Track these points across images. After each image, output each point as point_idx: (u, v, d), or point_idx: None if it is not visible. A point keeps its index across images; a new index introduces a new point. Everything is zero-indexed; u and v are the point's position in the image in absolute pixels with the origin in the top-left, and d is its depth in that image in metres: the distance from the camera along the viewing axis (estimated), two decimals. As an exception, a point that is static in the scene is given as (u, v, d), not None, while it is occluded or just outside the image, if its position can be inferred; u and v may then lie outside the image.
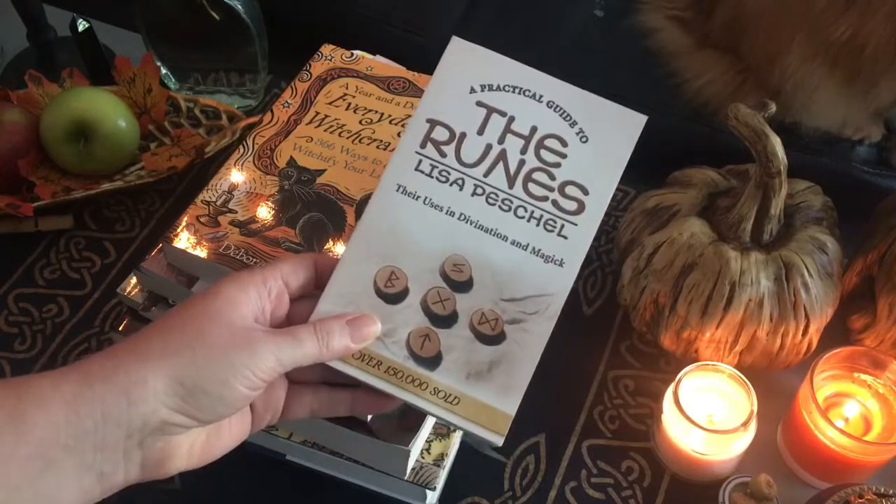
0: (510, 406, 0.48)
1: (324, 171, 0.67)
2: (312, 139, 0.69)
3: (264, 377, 0.45)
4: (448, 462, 0.65)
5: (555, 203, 0.50)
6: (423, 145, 0.52)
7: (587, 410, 0.71)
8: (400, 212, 0.51)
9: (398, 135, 0.69)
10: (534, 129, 0.51)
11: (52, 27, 0.92)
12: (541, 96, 0.52)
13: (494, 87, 0.52)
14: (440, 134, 0.52)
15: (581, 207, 0.50)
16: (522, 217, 0.50)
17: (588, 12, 0.93)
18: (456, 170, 0.51)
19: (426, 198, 0.51)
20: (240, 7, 0.82)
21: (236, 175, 0.66)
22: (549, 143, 0.51)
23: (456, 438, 0.65)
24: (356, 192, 0.65)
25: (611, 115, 0.51)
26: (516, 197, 0.50)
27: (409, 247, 0.50)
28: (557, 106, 0.52)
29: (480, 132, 0.52)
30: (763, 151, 0.63)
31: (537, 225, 0.50)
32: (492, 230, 0.50)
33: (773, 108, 0.63)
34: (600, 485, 0.67)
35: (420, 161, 0.51)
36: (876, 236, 0.69)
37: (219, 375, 0.44)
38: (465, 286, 0.49)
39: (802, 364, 0.67)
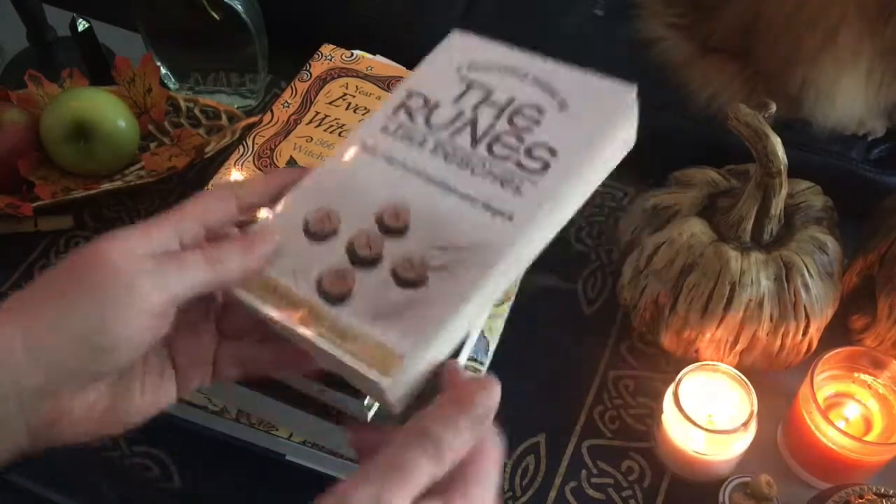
0: (409, 347, 0.41)
1: (324, 170, 0.67)
2: (312, 139, 0.69)
3: (151, 310, 0.40)
4: (448, 462, 0.65)
5: (517, 163, 0.46)
6: (395, 111, 0.50)
7: (587, 410, 0.71)
8: (355, 164, 0.49)
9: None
10: (511, 100, 0.49)
11: (52, 27, 0.92)
12: (526, 74, 0.50)
13: (481, 67, 0.51)
14: (415, 102, 0.50)
15: (545, 166, 0.46)
16: (478, 174, 0.46)
17: (588, 12, 0.93)
18: (420, 130, 0.49)
19: (383, 153, 0.49)
20: (240, 7, 0.82)
21: (236, 175, 0.66)
22: (525, 111, 0.48)
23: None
24: (356, 191, 0.65)
25: (596, 87, 0.49)
26: (477, 155, 0.47)
27: (352, 193, 0.48)
28: (541, 81, 0.49)
29: (456, 101, 0.50)
30: (763, 151, 0.63)
31: (493, 182, 0.46)
32: (442, 182, 0.47)
33: (773, 108, 0.63)
34: (600, 485, 0.67)
35: (387, 124, 0.50)
36: (876, 236, 0.69)
37: (94, 322, 0.39)
38: (398, 232, 0.46)
39: (802, 364, 0.67)
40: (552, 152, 0.46)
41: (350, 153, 0.49)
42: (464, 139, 0.48)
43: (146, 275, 0.40)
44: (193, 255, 0.42)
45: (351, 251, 0.46)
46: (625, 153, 0.47)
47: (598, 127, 0.46)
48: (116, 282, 0.40)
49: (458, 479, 0.36)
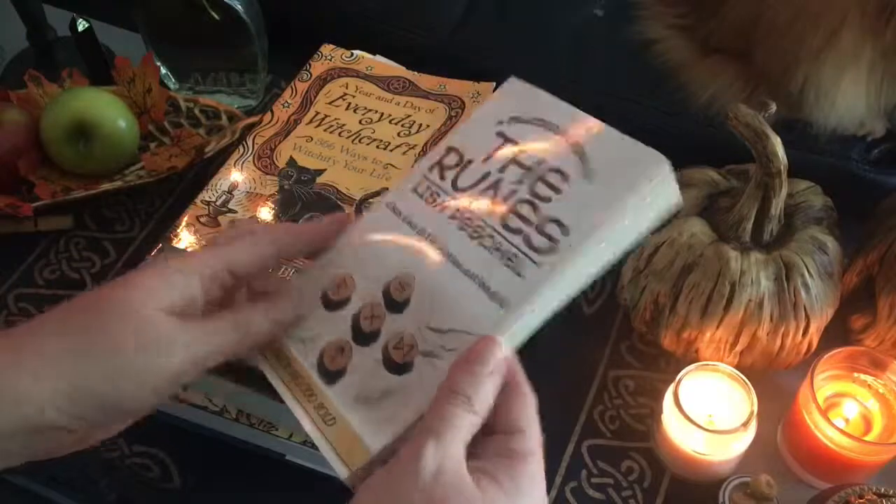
0: (375, 441, 0.43)
1: (323, 170, 0.67)
2: (312, 139, 0.69)
3: (173, 381, 0.41)
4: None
5: (526, 238, 0.45)
6: (430, 168, 0.50)
7: (587, 410, 0.71)
8: (380, 226, 0.49)
9: (398, 134, 0.69)
10: (540, 162, 0.47)
11: (52, 27, 0.92)
12: (564, 131, 0.47)
13: (520, 119, 0.49)
14: (451, 159, 0.50)
15: (553, 246, 0.44)
16: (487, 247, 0.45)
17: (588, 12, 0.93)
18: (446, 192, 0.49)
19: (407, 216, 0.49)
20: (240, 7, 0.82)
21: (236, 175, 0.66)
22: (549, 176, 0.46)
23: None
24: (356, 191, 0.65)
25: (629, 156, 0.45)
26: (490, 226, 0.46)
27: (371, 259, 0.48)
28: (576, 142, 0.46)
29: (486, 160, 0.48)
30: (763, 151, 0.63)
31: (500, 258, 0.45)
32: (452, 255, 0.46)
33: (773, 108, 0.63)
34: (600, 485, 0.67)
35: (419, 183, 0.50)
36: (876, 236, 0.69)
37: (118, 388, 0.40)
38: (400, 306, 0.46)
39: (802, 364, 0.67)
40: (564, 230, 0.44)
41: (381, 213, 0.50)
42: (482, 206, 0.47)
43: (177, 347, 0.41)
44: (223, 321, 0.43)
45: (355, 324, 0.47)
46: (664, 217, 0.45)
47: (618, 201, 0.44)
48: (148, 347, 0.40)
49: (498, 424, 0.41)
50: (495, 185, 0.47)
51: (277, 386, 0.47)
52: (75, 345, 0.40)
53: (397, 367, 0.44)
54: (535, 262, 0.44)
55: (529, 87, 0.50)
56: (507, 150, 0.48)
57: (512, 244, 0.45)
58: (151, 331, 0.40)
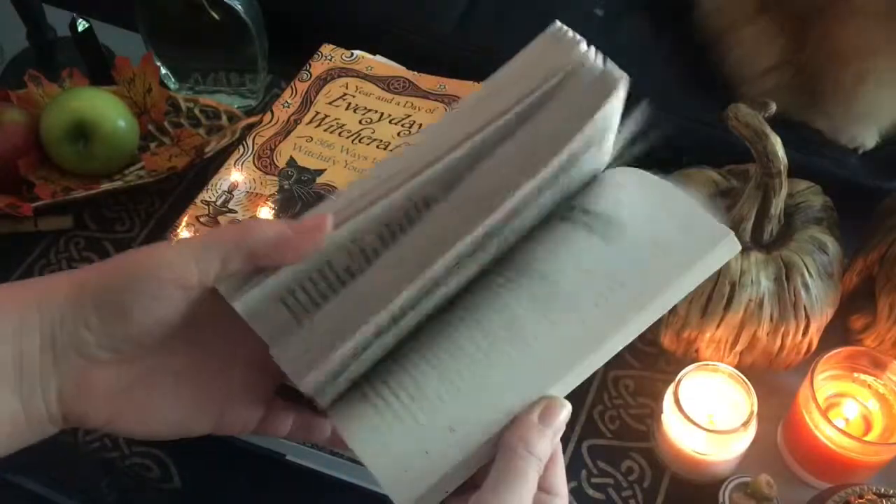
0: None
1: (324, 170, 0.67)
2: (312, 139, 0.69)
3: (189, 279, 0.40)
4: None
5: None
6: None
7: (587, 410, 0.71)
8: None
9: (398, 134, 0.69)
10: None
11: (52, 27, 0.92)
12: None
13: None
14: None
15: None
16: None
17: (588, 11, 0.93)
18: None
19: None
20: (240, 7, 0.82)
21: (236, 175, 0.67)
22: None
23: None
24: (356, 191, 0.65)
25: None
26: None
27: None
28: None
29: None
30: (763, 151, 0.63)
31: None
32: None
33: (773, 107, 0.63)
34: (600, 485, 0.67)
35: None
36: (876, 236, 0.69)
37: (129, 282, 0.40)
38: None
39: (802, 364, 0.67)
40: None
41: None
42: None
43: (191, 250, 0.41)
44: (228, 228, 0.43)
45: None
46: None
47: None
48: (162, 252, 0.41)
49: (542, 483, 0.43)
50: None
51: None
52: (85, 272, 0.41)
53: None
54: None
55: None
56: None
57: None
58: (163, 248, 0.42)
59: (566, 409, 0.43)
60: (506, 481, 0.40)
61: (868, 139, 0.82)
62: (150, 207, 0.84)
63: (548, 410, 0.42)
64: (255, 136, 0.69)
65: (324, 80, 0.73)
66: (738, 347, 0.67)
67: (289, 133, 0.69)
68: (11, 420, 0.40)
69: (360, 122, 0.70)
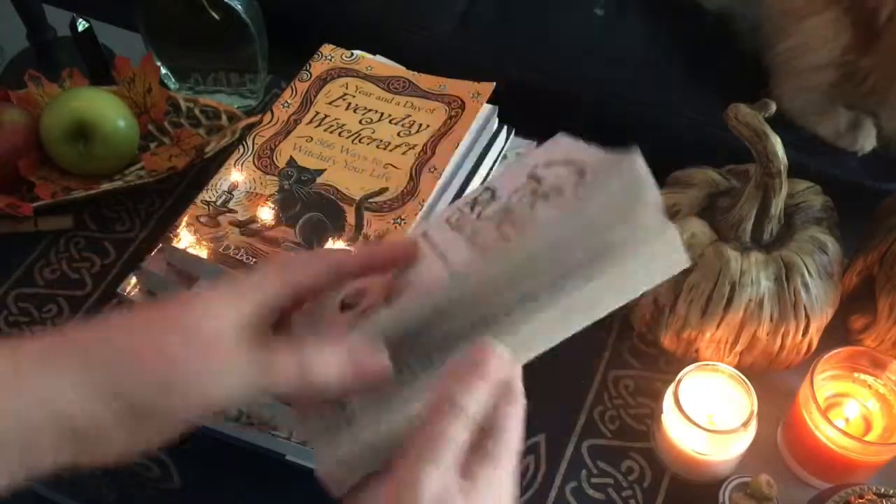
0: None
1: (323, 170, 0.67)
2: (312, 139, 0.69)
3: (214, 407, 0.39)
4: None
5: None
6: (468, 205, 0.48)
7: (587, 410, 0.71)
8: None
9: (398, 134, 0.69)
10: (549, 188, 0.46)
11: (52, 27, 0.92)
12: (581, 165, 0.46)
13: (553, 164, 0.47)
14: (483, 196, 0.48)
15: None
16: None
17: (588, 11, 0.93)
18: (471, 223, 0.47)
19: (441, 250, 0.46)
20: (240, 7, 0.82)
21: (236, 175, 0.66)
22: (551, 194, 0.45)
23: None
24: (356, 191, 0.65)
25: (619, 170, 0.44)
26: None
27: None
28: (583, 170, 0.45)
29: (511, 196, 0.47)
30: (763, 151, 0.63)
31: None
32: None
33: (773, 108, 0.63)
34: (600, 485, 0.67)
35: (452, 214, 0.48)
36: (876, 236, 0.69)
37: (161, 400, 0.38)
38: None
39: (802, 364, 0.67)
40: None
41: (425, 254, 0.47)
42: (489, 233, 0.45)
43: (231, 370, 0.39)
44: (285, 359, 0.39)
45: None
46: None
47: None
48: (198, 364, 0.38)
49: (487, 438, 0.39)
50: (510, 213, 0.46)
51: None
52: (119, 352, 0.38)
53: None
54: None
55: (575, 140, 0.48)
56: (530, 186, 0.47)
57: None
58: (207, 350, 0.38)
59: (497, 353, 0.39)
60: (420, 442, 0.37)
61: (867, 143, 0.82)
62: (150, 207, 0.84)
63: (473, 356, 0.39)
64: (255, 136, 0.69)
65: (324, 80, 0.73)
66: (738, 347, 0.67)
67: (289, 133, 0.69)
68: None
69: (360, 122, 0.70)
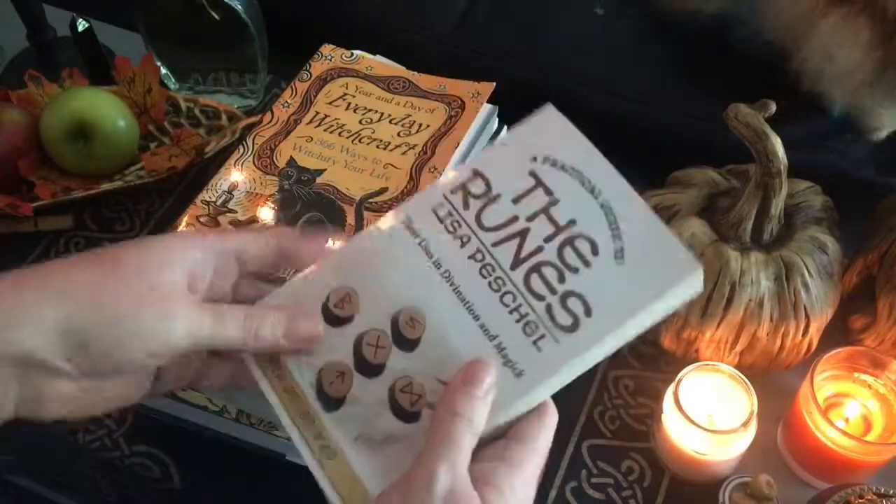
0: (376, 487, 0.42)
1: (323, 170, 0.67)
2: (312, 139, 0.69)
3: (169, 350, 0.41)
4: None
5: (549, 308, 0.43)
6: (454, 191, 0.47)
7: (587, 410, 0.71)
8: (392, 242, 0.47)
9: (398, 134, 0.69)
10: (571, 223, 0.45)
11: (52, 27, 0.92)
12: (599, 192, 0.45)
13: (558, 165, 0.46)
14: (477, 187, 0.47)
15: (574, 326, 0.43)
16: (507, 305, 0.44)
17: (588, 10, 0.93)
18: (468, 225, 0.46)
19: (424, 239, 0.46)
20: (240, 7, 0.82)
21: (236, 175, 0.66)
22: (579, 243, 0.44)
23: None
24: (356, 191, 0.65)
25: (664, 248, 0.44)
26: (512, 281, 0.44)
27: (379, 279, 0.46)
28: (611, 211, 0.45)
29: (516, 201, 0.46)
30: (763, 151, 0.63)
31: (518, 321, 0.43)
32: (468, 302, 0.44)
33: (773, 107, 0.63)
34: (600, 485, 0.67)
35: (441, 203, 0.47)
36: (876, 236, 0.69)
37: (118, 333, 0.39)
38: (409, 345, 0.44)
39: (802, 364, 0.67)
40: (588, 311, 0.43)
41: (394, 226, 0.47)
42: (506, 255, 0.45)
43: (184, 314, 0.41)
44: (234, 314, 0.43)
45: (357, 349, 0.45)
46: (670, 313, 0.44)
47: (647, 298, 0.43)
48: (153, 309, 0.40)
49: (510, 431, 0.43)
50: (522, 235, 0.45)
51: (274, 403, 0.45)
52: (81, 289, 0.39)
53: (404, 413, 0.43)
54: (556, 340, 0.43)
55: (566, 123, 0.47)
56: (540, 198, 0.46)
57: (533, 310, 0.44)
58: (158, 298, 0.40)
59: (491, 369, 0.42)
60: (437, 450, 0.39)
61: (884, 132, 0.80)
62: (150, 207, 0.84)
63: (470, 371, 0.42)
64: (255, 136, 0.69)
65: (324, 80, 0.73)
66: (738, 347, 0.67)
67: (289, 133, 0.69)
68: None
69: (360, 122, 0.70)
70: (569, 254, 0.44)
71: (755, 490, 0.62)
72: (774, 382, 0.70)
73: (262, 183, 0.66)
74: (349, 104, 0.71)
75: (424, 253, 0.46)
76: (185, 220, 0.63)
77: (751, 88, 0.72)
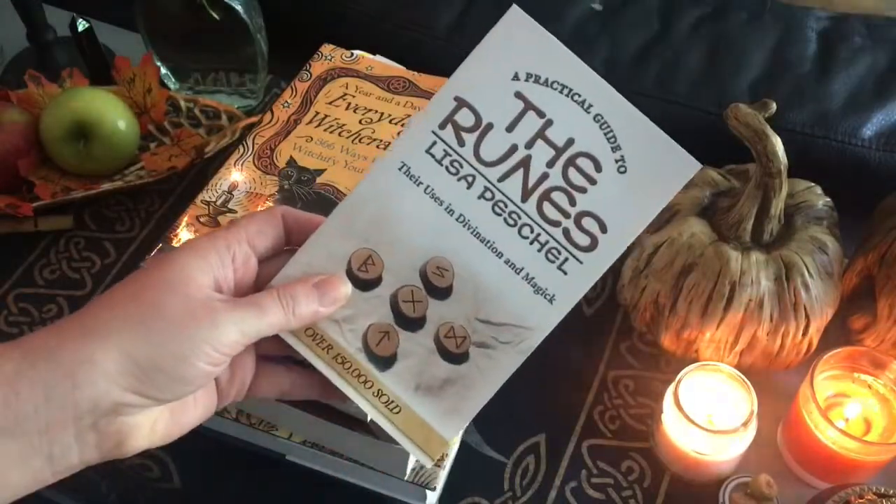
0: (450, 431, 0.45)
1: (323, 170, 0.67)
2: (312, 139, 0.69)
3: (227, 351, 0.42)
4: (448, 462, 0.65)
5: (566, 232, 0.45)
6: (442, 126, 0.46)
7: (587, 410, 0.71)
8: (396, 193, 0.46)
9: (398, 134, 0.69)
10: (570, 142, 0.45)
11: (52, 27, 0.92)
12: (590, 106, 0.45)
13: (541, 81, 0.45)
14: (465, 118, 0.46)
15: (593, 245, 0.45)
16: (526, 237, 0.45)
17: (586, 6, 0.93)
18: (470, 164, 0.45)
19: (428, 186, 0.46)
20: (240, 7, 0.82)
21: (236, 175, 0.66)
22: (581, 162, 0.45)
23: (457, 438, 0.65)
24: (356, 192, 0.65)
25: (662, 150, 0.45)
26: (526, 213, 0.45)
27: (395, 234, 0.46)
28: (605, 123, 0.45)
29: (510, 129, 0.45)
30: (763, 151, 0.63)
31: (539, 250, 0.45)
32: (489, 242, 0.45)
33: (773, 107, 0.63)
34: (600, 485, 0.67)
35: (434, 143, 0.46)
36: (876, 236, 0.69)
37: (176, 352, 0.41)
38: (442, 293, 0.45)
39: (802, 364, 0.67)
40: (603, 227, 0.45)
41: (392, 176, 0.46)
42: (514, 188, 0.45)
43: (228, 316, 0.42)
44: (270, 299, 0.44)
45: (395, 306, 0.46)
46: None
47: (653, 204, 0.45)
48: (201, 320, 0.41)
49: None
50: (525, 164, 0.45)
51: (325, 370, 0.45)
52: (129, 322, 0.41)
53: (453, 356, 0.45)
54: (579, 261, 0.45)
55: (535, 27, 0.46)
56: (533, 121, 0.45)
57: (552, 237, 0.45)
58: (200, 304, 0.42)
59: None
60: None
61: None
62: (150, 207, 0.84)
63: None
64: (255, 136, 0.69)
65: (324, 80, 0.73)
66: (738, 347, 0.67)
67: (289, 133, 0.69)
68: (32, 472, 0.41)
69: (360, 122, 0.70)
70: (574, 174, 0.45)
71: (755, 490, 0.62)
72: (774, 382, 0.70)
73: (262, 183, 0.66)
74: (349, 104, 0.71)
75: (432, 199, 0.46)
76: (185, 220, 0.63)
77: (751, 87, 0.72)
